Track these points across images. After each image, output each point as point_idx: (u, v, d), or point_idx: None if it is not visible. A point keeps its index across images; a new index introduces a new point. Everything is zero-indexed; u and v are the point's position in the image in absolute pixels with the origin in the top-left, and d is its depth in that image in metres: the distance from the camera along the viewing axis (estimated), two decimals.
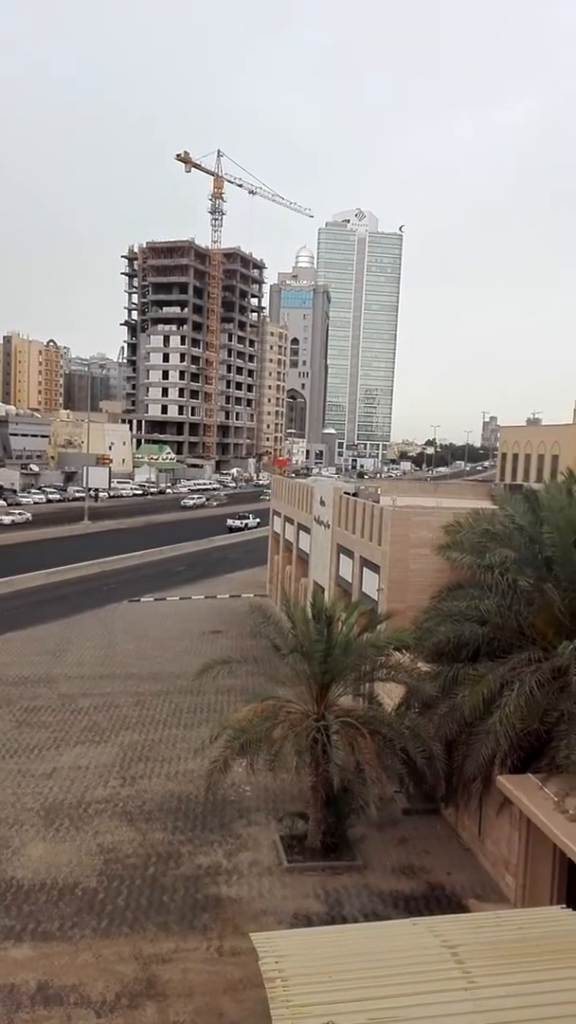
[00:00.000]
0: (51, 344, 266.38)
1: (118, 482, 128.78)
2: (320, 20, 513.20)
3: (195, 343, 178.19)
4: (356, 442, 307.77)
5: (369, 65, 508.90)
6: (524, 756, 18.29)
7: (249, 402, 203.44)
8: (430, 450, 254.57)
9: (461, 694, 19.03)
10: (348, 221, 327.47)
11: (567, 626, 19.08)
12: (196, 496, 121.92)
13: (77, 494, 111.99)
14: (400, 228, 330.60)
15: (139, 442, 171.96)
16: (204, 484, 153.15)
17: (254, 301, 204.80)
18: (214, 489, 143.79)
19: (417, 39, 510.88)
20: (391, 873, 19.13)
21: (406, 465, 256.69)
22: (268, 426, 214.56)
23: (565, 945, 12.19)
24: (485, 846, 19.82)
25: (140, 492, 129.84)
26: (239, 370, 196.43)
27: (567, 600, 19.15)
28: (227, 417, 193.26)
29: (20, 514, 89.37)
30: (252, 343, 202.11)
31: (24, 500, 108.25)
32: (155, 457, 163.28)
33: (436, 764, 19.13)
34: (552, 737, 17.70)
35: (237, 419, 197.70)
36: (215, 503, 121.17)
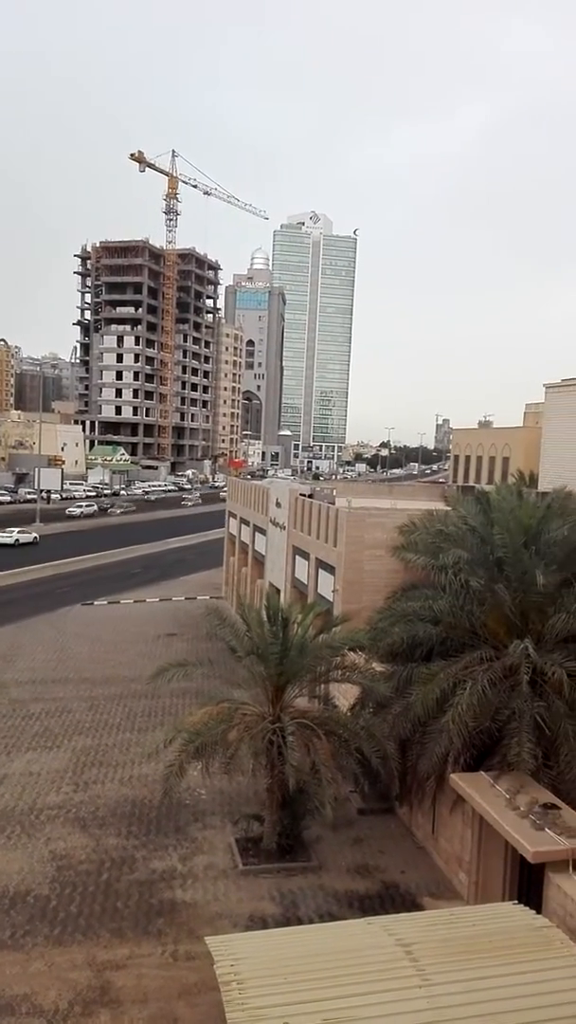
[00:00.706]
0: (1, 343, 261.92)
1: (71, 483, 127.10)
2: (277, 25, 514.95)
3: (149, 343, 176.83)
4: (312, 444, 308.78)
5: (325, 70, 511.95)
6: (477, 754, 18.55)
7: (204, 403, 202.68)
8: (385, 452, 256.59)
9: (415, 693, 19.22)
10: (303, 224, 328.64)
11: (518, 625, 19.41)
12: (85, 504, 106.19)
13: (28, 496, 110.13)
14: (354, 231, 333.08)
15: (92, 443, 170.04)
16: (159, 486, 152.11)
17: (209, 302, 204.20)
18: (113, 494, 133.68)
19: (372, 46, 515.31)
20: (346, 873, 19.22)
21: (361, 467, 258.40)
22: (224, 428, 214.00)
23: (517, 940, 12.40)
24: (439, 844, 20.04)
25: (93, 494, 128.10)
26: (194, 371, 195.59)
27: (517, 600, 19.47)
28: (182, 418, 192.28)
29: None
30: (207, 344, 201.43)
31: None
32: (109, 458, 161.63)
33: (390, 763, 19.30)
34: (504, 735, 17.98)
35: (192, 420, 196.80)
36: (119, 510, 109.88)
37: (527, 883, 16.37)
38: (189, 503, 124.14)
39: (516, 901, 14.70)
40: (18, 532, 73.50)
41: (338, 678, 20.86)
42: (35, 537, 74.92)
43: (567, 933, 12.97)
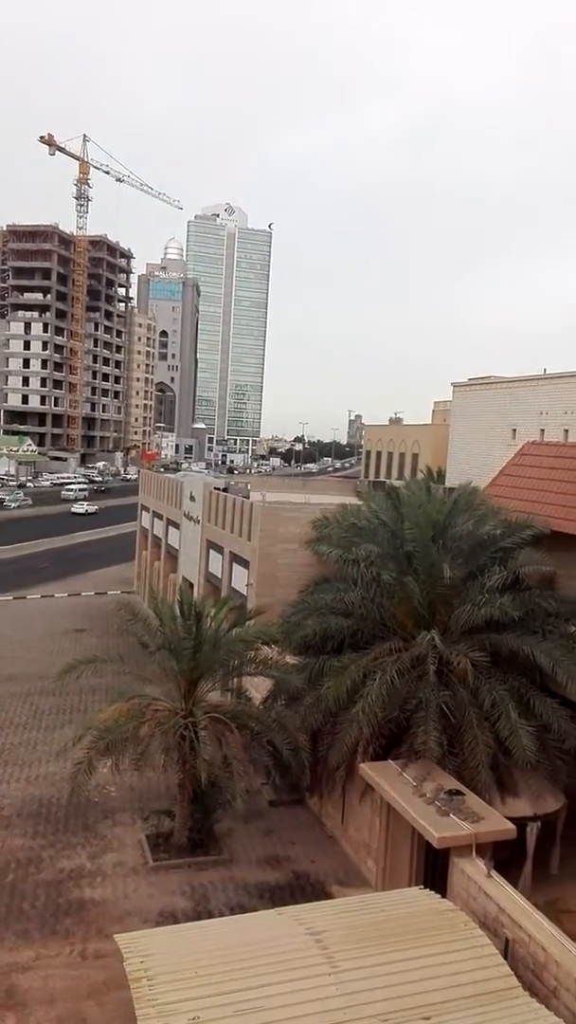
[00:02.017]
0: None
1: None
2: (195, 13, 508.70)
3: (59, 331, 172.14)
4: (226, 437, 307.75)
5: (241, 62, 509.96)
6: (385, 743, 18.97)
7: (116, 394, 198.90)
8: (299, 446, 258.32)
9: (326, 685, 19.49)
10: (218, 215, 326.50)
11: (425, 617, 19.94)
12: None
13: None
14: (269, 225, 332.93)
15: None
16: (68, 478, 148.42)
17: (121, 291, 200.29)
18: (19, 485, 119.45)
19: (292, 40, 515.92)
20: (257, 865, 19.33)
21: (276, 461, 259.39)
22: (136, 419, 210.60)
23: (423, 924, 12.77)
24: (348, 833, 20.39)
25: None
26: (106, 361, 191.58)
27: (425, 593, 20.00)
28: (93, 409, 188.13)
29: None
30: (119, 334, 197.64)
31: None
32: (15, 449, 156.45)
33: (302, 755, 19.51)
34: (411, 724, 18.44)
35: (104, 411, 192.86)
36: (14, 504, 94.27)
37: (433, 868, 16.86)
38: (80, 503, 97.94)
39: (422, 886, 15.12)
40: None
41: (251, 671, 20.94)
42: None
43: (470, 915, 13.45)
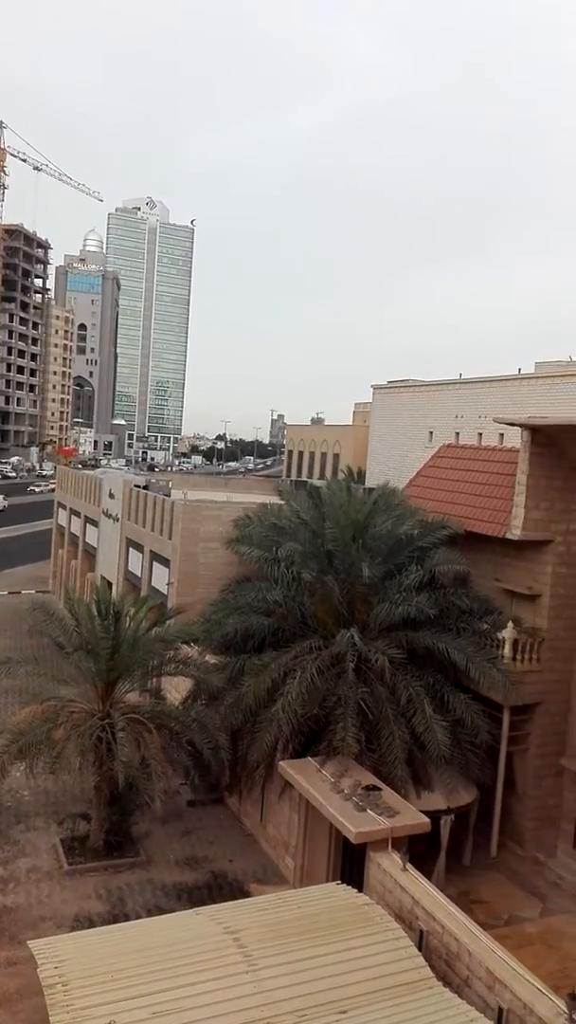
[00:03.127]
0: None
1: None
2: (120, 8, 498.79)
3: None
4: (147, 434, 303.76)
5: (164, 57, 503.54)
6: (305, 741, 19.13)
7: (32, 387, 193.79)
8: (221, 445, 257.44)
9: (247, 684, 19.51)
10: (139, 209, 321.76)
11: (345, 615, 20.20)
12: None
13: None
14: (192, 221, 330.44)
15: None
16: None
17: (38, 282, 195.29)
18: None
19: (218, 38, 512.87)
20: (175, 866, 19.20)
21: (197, 459, 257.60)
22: (53, 414, 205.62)
23: (340, 919, 12.94)
24: (267, 831, 20.47)
25: None
26: (21, 353, 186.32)
27: (345, 591, 20.26)
28: (7, 402, 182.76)
29: None
30: (36, 326, 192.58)
31: None
32: None
33: (222, 754, 19.49)
34: (330, 721, 18.65)
35: (18, 405, 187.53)
36: None
37: (350, 863, 17.08)
38: None
39: (340, 881, 15.31)
40: None
41: (171, 671, 20.78)
42: None
43: (386, 909, 13.70)
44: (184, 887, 18.30)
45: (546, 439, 20.81)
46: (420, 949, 12.70)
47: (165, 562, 28.67)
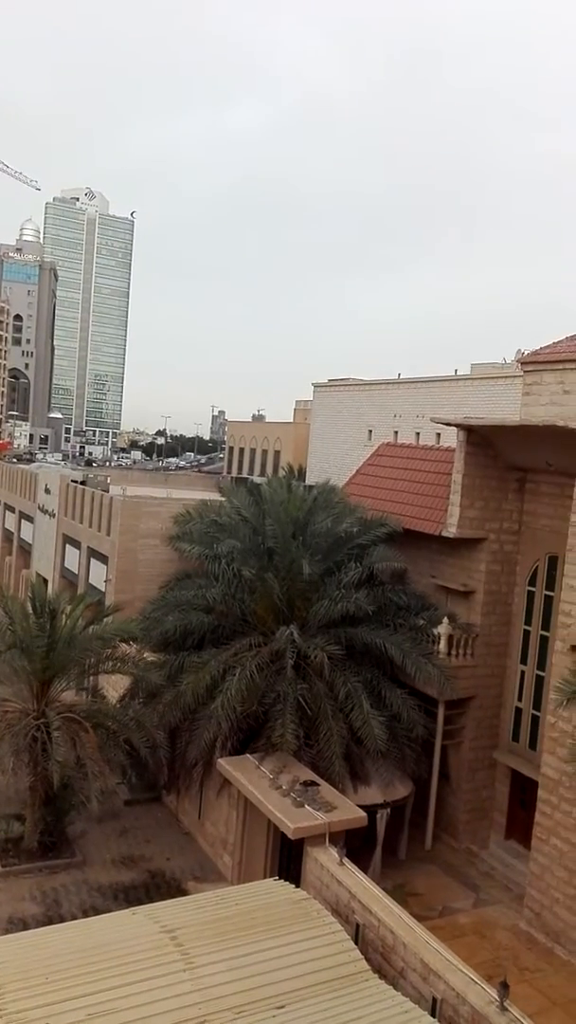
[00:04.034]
0: None
1: None
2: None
3: None
4: (84, 428, 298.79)
5: (104, 47, 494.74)
6: (244, 737, 19.15)
7: None
8: (161, 440, 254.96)
9: (186, 681, 19.43)
10: (78, 199, 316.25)
11: (285, 612, 20.28)
12: None
13: None
14: (132, 214, 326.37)
15: None
16: None
17: None
18: None
19: (153, 37, 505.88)
20: (111, 865, 19.01)
21: (137, 454, 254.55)
22: None
23: (278, 915, 12.99)
24: (205, 828, 20.43)
25: None
26: None
27: (285, 588, 20.34)
28: None
29: None
30: None
31: None
32: None
33: (160, 752, 19.36)
34: (269, 718, 18.72)
35: None
36: None
37: (288, 859, 17.19)
38: None
39: (277, 877, 15.37)
40: None
41: (109, 669, 20.53)
42: None
43: (323, 903, 13.82)
44: (121, 887, 18.13)
45: (481, 439, 21.26)
46: (356, 942, 12.85)
47: (103, 559, 28.30)
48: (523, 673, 21.34)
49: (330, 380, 74.03)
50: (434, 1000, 11.75)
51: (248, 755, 18.53)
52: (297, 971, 11.58)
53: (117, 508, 27.14)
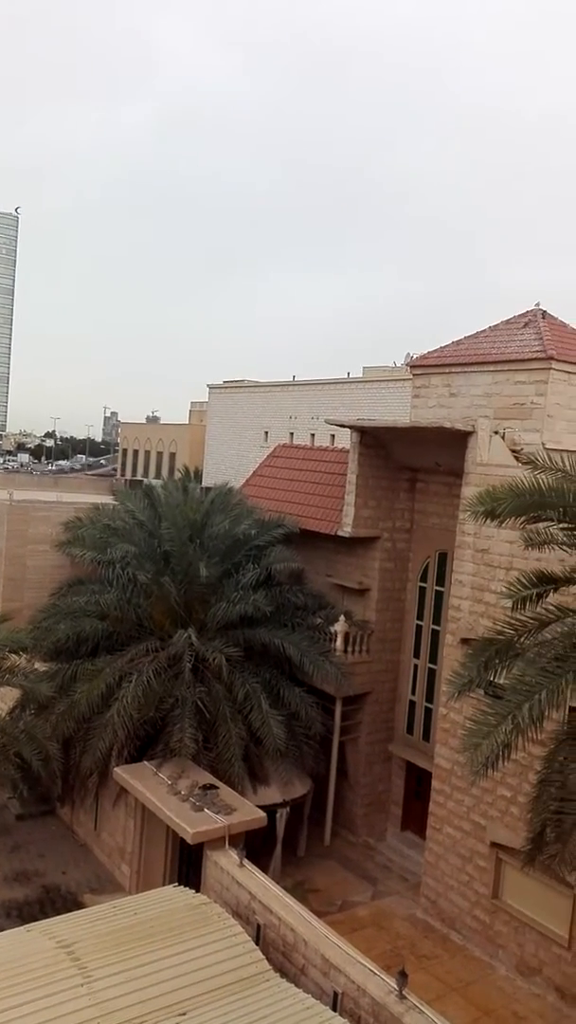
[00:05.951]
0: None
1: None
2: None
3: None
4: None
5: None
6: (141, 745, 18.84)
7: None
8: (50, 442, 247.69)
9: (79, 690, 18.95)
10: None
11: (182, 616, 20.08)
12: None
13: None
14: (16, 209, 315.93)
15: None
16: None
17: None
18: None
19: (43, 29, 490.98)
20: (3, 883, 18.30)
21: (24, 457, 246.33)
22: None
23: (177, 921, 12.84)
24: (101, 839, 19.97)
25: None
26: None
27: (183, 592, 20.14)
28: None
29: None
30: None
31: None
32: None
33: (53, 764, 18.78)
34: (167, 723, 18.49)
35: None
36: None
37: (188, 865, 17.01)
38: None
39: (177, 884, 15.19)
40: None
41: None
42: None
43: (224, 906, 13.75)
44: (14, 904, 17.48)
45: (373, 440, 21.72)
46: (258, 943, 12.86)
47: None
48: (416, 667, 21.93)
49: (226, 381, 73.92)
50: (335, 994, 11.88)
51: (145, 762, 18.24)
52: (198, 976, 11.48)
53: (3, 513, 26.16)
